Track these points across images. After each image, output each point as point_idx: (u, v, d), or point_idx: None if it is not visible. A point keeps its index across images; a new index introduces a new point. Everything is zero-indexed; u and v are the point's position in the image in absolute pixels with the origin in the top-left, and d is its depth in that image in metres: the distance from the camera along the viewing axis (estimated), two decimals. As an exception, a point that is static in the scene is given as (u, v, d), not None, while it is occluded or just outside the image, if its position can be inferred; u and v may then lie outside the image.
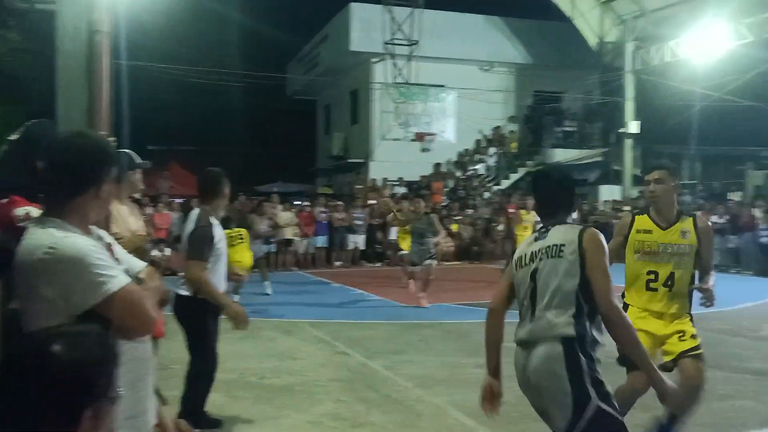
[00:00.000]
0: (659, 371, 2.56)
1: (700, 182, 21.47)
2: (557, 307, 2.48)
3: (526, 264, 2.63)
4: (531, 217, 12.22)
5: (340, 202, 16.46)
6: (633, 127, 19.92)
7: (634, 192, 20.14)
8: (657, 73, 19.40)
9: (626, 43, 19.99)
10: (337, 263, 15.49)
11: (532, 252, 2.63)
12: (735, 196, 18.29)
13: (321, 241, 15.42)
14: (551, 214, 2.71)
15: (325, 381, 5.34)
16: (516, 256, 2.71)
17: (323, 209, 15.79)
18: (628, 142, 20.15)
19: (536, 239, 2.67)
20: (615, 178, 20.44)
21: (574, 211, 2.81)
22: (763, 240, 14.01)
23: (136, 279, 1.78)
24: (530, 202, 12.82)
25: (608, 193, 19.90)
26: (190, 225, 3.81)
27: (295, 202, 16.99)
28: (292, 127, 28.42)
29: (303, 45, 26.34)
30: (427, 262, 9.18)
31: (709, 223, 3.63)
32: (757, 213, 14.61)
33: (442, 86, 21.58)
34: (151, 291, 1.78)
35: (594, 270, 2.47)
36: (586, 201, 18.88)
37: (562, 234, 2.59)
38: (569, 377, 2.40)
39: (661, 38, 19.04)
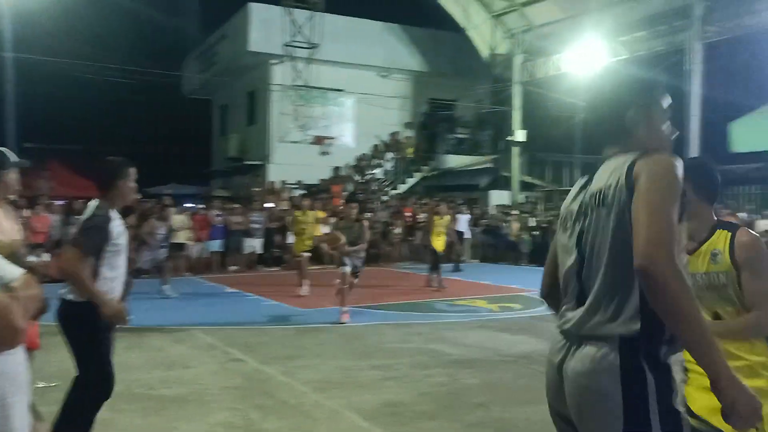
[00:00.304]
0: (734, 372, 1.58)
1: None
2: (613, 288, 1.67)
3: (569, 227, 1.81)
4: (444, 221, 12.60)
5: (236, 205, 16.11)
6: (520, 135, 21.01)
7: (521, 197, 21.27)
8: (542, 84, 20.59)
9: (515, 56, 21.06)
10: (233, 268, 15.14)
11: (578, 207, 1.80)
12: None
13: (216, 245, 15.00)
14: (599, 141, 1.87)
15: (218, 389, 5.22)
16: (561, 216, 1.90)
17: (219, 212, 15.39)
18: (516, 150, 21.22)
19: (582, 187, 1.83)
20: (504, 183, 21.44)
21: (640, 130, 1.76)
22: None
23: (6, 287, 1.67)
24: (443, 207, 13.10)
25: (497, 198, 20.85)
26: (86, 214, 3.50)
27: (188, 205, 16.42)
28: (187, 126, 27.43)
29: (200, 43, 25.57)
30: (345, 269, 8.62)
31: (757, 236, 2.42)
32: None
33: (341, 90, 21.71)
34: (23, 299, 1.68)
35: (639, 206, 1.60)
36: (477, 206, 19.70)
37: (611, 170, 1.73)
38: (625, 403, 1.60)
39: (547, 52, 20.23)
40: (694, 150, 15.02)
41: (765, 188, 17.03)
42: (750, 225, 13.91)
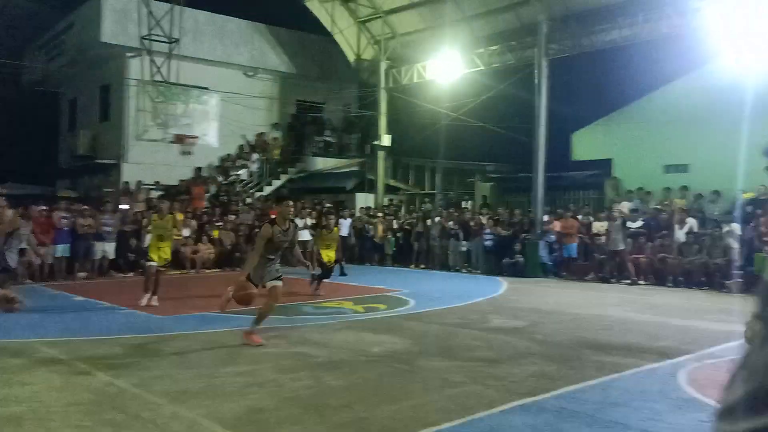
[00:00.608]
0: None
1: (440, 192, 24.05)
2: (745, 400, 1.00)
3: None
4: (334, 235, 12.44)
5: (86, 207, 14.97)
6: (385, 140, 21.53)
7: (386, 200, 21.82)
8: (406, 91, 21.27)
9: (380, 62, 21.55)
10: (81, 274, 14.06)
11: None
12: (467, 205, 20.84)
13: (61, 250, 13.84)
14: None
15: (62, 406, 4.81)
16: None
17: (65, 214, 14.21)
18: (381, 154, 21.71)
19: None
20: (370, 186, 21.86)
21: None
22: (488, 243, 16.19)
23: None
24: (332, 220, 12.80)
25: (363, 200, 21.21)
26: None
27: (28, 206, 14.99)
28: (29, 120, 25.00)
29: (44, 29, 23.43)
30: (273, 283, 7.07)
31: None
32: (483, 220, 16.84)
33: (205, 88, 20.94)
34: None
35: None
36: (344, 208, 19.91)
37: None
38: None
39: (410, 60, 20.92)
40: (541, 159, 16.23)
41: (600, 193, 18.83)
42: (587, 227, 15.35)
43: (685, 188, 15.65)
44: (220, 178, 21.05)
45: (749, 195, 13.76)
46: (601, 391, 5.32)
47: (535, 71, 16.41)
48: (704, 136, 16.30)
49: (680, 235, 13.67)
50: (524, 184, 17.43)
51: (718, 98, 15.24)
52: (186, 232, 15.37)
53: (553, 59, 16.52)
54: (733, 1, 13.10)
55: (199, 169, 20.67)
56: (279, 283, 7.07)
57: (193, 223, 16.58)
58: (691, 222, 13.79)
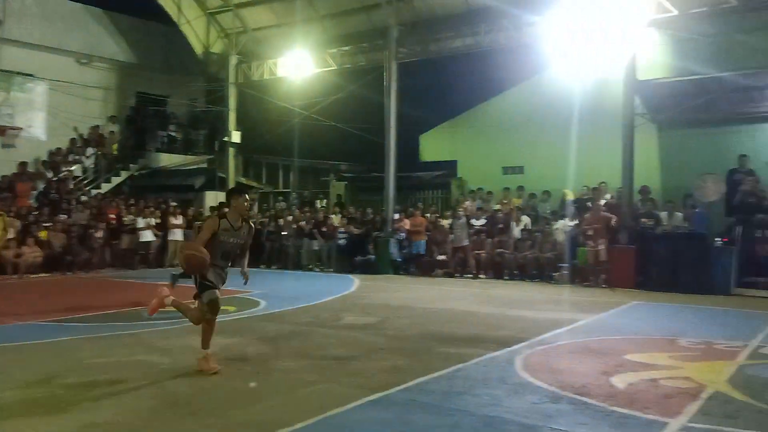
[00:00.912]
0: None
1: (294, 191, 23.89)
2: None
3: None
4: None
5: None
6: (235, 136, 20.95)
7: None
8: (257, 88, 20.84)
9: (230, 56, 20.91)
10: None
11: None
12: (322, 204, 20.91)
13: None
14: None
15: None
16: None
17: None
18: (231, 151, 21.09)
19: None
20: (220, 184, 21.11)
21: None
22: (341, 242, 16.37)
23: None
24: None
25: (213, 199, 20.43)
26: None
27: None
28: None
29: None
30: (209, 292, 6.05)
31: None
32: (336, 220, 16.99)
33: (31, 75, 18.98)
34: None
35: None
36: (193, 206, 19.07)
37: None
38: None
39: (261, 56, 20.53)
40: (392, 159, 16.70)
41: (446, 192, 19.82)
42: (435, 224, 16.07)
43: (521, 188, 16.93)
44: (49, 174, 19.18)
45: (570, 195, 15.21)
46: (447, 381, 5.57)
47: (385, 74, 16.87)
48: (537, 140, 17.76)
49: (516, 232, 14.78)
50: (376, 184, 17.83)
51: (550, 105, 16.68)
52: (11, 235, 13.87)
53: (402, 63, 17.11)
54: (564, 18, 14.39)
55: (24, 163, 18.67)
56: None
57: (17, 223, 14.97)
58: (526, 220, 14.98)
